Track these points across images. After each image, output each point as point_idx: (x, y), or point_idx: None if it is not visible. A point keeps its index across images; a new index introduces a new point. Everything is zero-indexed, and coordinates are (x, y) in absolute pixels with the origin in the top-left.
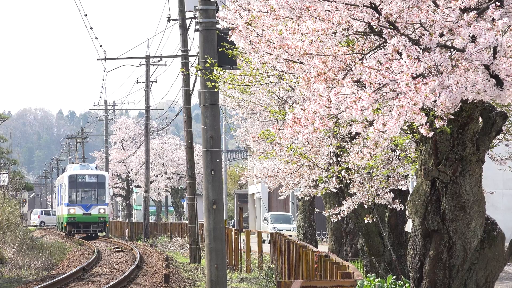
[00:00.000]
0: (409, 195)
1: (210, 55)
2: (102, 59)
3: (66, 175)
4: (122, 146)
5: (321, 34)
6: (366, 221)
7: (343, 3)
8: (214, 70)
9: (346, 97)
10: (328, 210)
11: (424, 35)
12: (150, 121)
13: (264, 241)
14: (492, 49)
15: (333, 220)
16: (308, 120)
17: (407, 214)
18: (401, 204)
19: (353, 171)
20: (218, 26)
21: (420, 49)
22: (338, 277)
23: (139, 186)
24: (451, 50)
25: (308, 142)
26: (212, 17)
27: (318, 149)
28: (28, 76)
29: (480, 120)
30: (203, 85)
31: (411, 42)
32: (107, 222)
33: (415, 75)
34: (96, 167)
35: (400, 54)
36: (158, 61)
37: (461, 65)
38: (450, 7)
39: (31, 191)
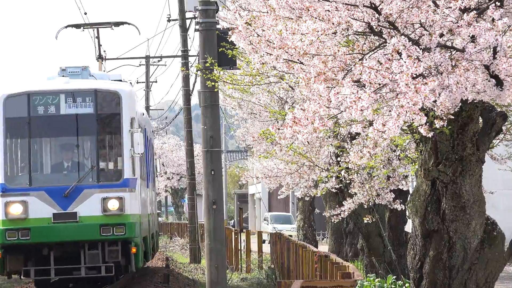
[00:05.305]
0: (409, 195)
1: (210, 55)
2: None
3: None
4: None
5: (321, 34)
6: (366, 221)
7: (343, 3)
8: (214, 70)
9: (346, 97)
10: (328, 210)
11: (424, 35)
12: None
13: (264, 241)
14: (492, 49)
15: (334, 221)
16: (308, 120)
17: (407, 214)
18: (401, 204)
19: (353, 171)
20: (218, 26)
21: (420, 49)
22: (338, 277)
23: None
24: (451, 50)
25: (308, 142)
26: (212, 17)
27: (318, 149)
28: (28, 76)
29: (480, 120)
30: (203, 85)
31: (411, 42)
32: (134, 238)
33: (415, 75)
34: (124, 79)
35: (400, 54)
36: (158, 61)
37: (461, 65)
38: (450, 7)
39: None
